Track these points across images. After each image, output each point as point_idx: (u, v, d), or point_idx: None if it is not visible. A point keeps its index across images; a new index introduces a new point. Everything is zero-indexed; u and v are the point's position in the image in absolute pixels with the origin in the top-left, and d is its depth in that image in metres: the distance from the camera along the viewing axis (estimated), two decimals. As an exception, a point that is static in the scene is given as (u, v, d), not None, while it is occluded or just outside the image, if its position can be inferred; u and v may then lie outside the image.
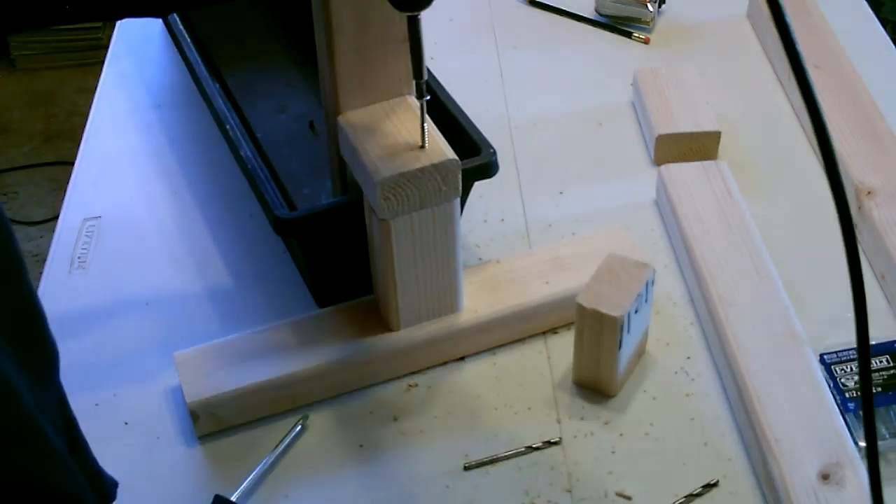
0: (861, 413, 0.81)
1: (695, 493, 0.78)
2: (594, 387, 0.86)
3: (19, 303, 0.61)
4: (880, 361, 0.84)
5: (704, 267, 0.91)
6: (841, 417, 0.79)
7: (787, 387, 0.81)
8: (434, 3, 0.73)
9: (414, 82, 0.77)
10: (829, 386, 0.82)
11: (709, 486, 0.79)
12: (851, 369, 0.83)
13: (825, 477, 0.75)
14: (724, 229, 0.94)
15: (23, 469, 0.59)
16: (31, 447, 0.59)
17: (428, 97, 0.77)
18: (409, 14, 0.74)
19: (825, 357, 0.84)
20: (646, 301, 0.84)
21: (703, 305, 0.90)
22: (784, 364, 0.83)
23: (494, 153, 0.88)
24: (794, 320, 0.86)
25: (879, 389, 0.82)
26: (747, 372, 0.82)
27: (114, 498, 0.70)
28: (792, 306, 0.87)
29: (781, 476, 0.75)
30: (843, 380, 0.83)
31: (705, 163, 1.01)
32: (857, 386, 0.82)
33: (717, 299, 0.88)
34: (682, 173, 1.00)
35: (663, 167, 1.01)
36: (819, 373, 0.82)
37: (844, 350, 0.85)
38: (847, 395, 0.82)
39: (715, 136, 1.06)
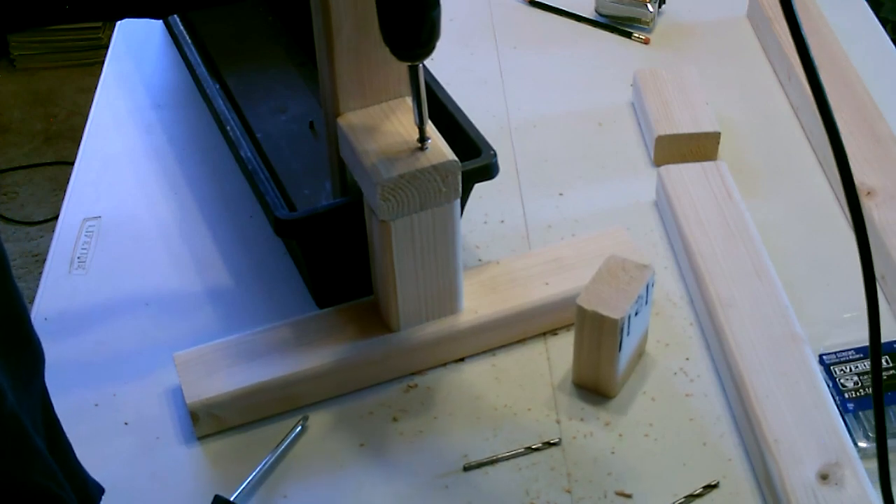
0: (860, 414, 0.81)
1: (695, 493, 0.78)
2: (594, 388, 0.86)
3: (2, 302, 0.61)
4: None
5: (704, 267, 0.91)
6: (840, 418, 0.79)
7: (787, 387, 0.81)
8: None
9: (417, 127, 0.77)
10: (829, 387, 0.82)
11: (709, 487, 0.79)
12: (851, 370, 0.83)
13: (824, 477, 0.75)
14: (723, 230, 0.94)
15: (3, 466, 0.59)
16: (12, 445, 0.59)
17: (429, 139, 0.78)
18: (410, 64, 0.75)
19: (824, 358, 0.85)
20: (646, 303, 0.84)
21: (702, 306, 0.90)
22: (783, 364, 0.83)
23: (495, 154, 0.88)
24: (794, 321, 0.86)
25: (869, 391, 0.82)
26: (746, 372, 0.82)
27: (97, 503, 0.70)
28: (791, 306, 0.87)
29: (780, 476, 0.75)
30: (842, 380, 0.83)
31: (705, 164, 1.01)
32: (857, 386, 0.82)
33: (717, 300, 0.88)
34: (682, 174, 1.00)
35: (663, 168, 1.01)
36: (818, 373, 0.82)
37: (844, 350, 0.85)
38: (846, 395, 0.82)
39: (715, 137, 1.06)
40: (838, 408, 0.80)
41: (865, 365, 0.84)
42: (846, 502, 0.74)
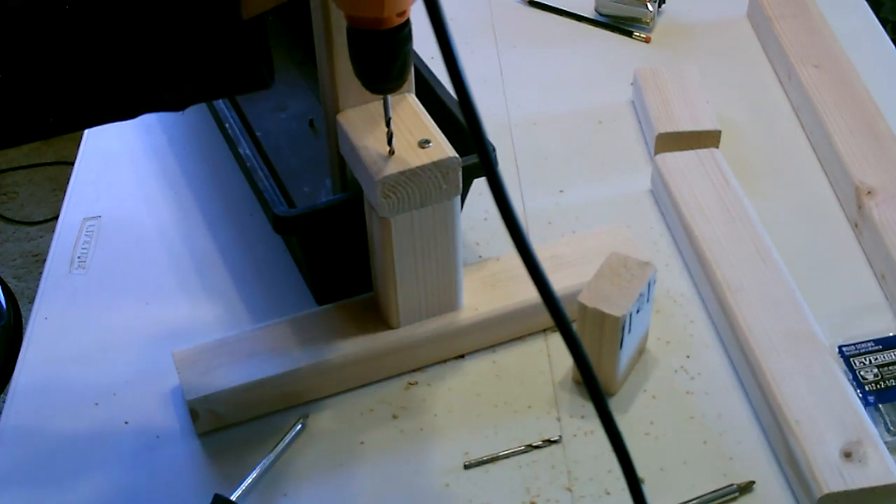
0: (881, 407, 0.81)
1: (695, 492, 0.78)
2: (594, 385, 0.86)
3: None
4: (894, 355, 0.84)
5: (709, 252, 0.91)
6: (855, 396, 0.80)
7: (802, 368, 0.82)
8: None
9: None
10: (849, 379, 0.83)
11: (715, 488, 0.79)
12: (870, 361, 0.84)
13: (848, 455, 0.76)
14: (723, 215, 0.95)
15: None
16: None
17: (430, 142, 0.78)
18: (381, 95, 0.76)
19: (843, 349, 0.85)
20: (647, 301, 0.84)
21: (709, 291, 0.90)
22: (798, 346, 0.84)
23: (493, 150, 0.88)
24: (801, 302, 0.87)
25: (890, 383, 0.82)
26: (762, 354, 0.83)
27: None
28: (798, 288, 0.88)
29: (805, 456, 0.76)
30: (862, 372, 0.83)
31: (699, 151, 1.02)
32: (877, 379, 0.83)
33: (725, 284, 0.89)
34: (678, 162, 1.01)
35: (658, 157, 1.02)
36: (827, 352, 0.83)
37: (863, 342, 0.85)
38: (867, 388, 0.82)
39: (715, 135, 1.06)
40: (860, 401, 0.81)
41: (885, 357, 0.84)
42: (871, 478, 0.75)
